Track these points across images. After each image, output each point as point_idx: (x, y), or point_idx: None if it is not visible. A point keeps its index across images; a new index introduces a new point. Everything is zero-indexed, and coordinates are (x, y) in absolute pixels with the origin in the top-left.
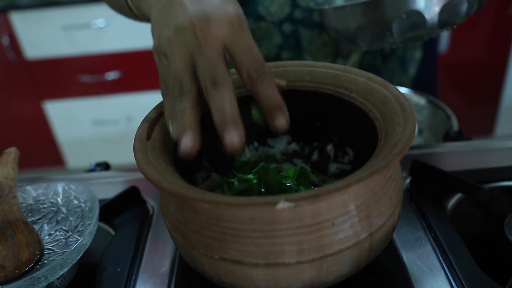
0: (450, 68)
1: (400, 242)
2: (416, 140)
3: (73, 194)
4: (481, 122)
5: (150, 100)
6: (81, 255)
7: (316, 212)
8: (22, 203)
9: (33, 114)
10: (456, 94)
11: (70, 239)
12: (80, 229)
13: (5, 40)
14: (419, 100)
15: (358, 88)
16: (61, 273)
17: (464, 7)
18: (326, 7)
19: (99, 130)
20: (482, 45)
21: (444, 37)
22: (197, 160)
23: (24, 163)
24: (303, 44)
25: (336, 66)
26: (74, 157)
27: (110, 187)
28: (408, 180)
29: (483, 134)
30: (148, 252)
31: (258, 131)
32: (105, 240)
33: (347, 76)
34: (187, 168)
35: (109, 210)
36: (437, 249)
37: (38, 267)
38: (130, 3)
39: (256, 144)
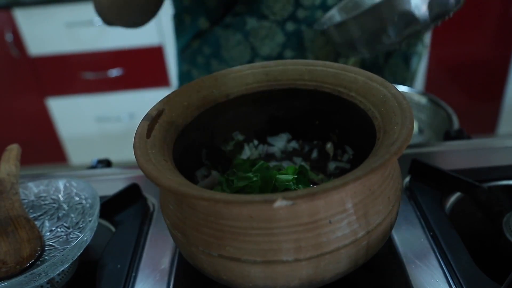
0: (453, 67)
1: (398, 240)
2: (417, 139)
3: (74, 190)
4: (483, 121)
5: (153, 97)
6: (81, 251)
7: (313, 210)
8: (24, 199)
9: (36, 110)
10: (458, 93)
11: (71, 236)
12: (81, 225)
13: (9, 37)
14: (420, 99)
15: (357, 86)
16: (62, 269)
17: None
18: (326, 27)
19: (102, 126)
20: (484, 43)
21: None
22: (196, 157)
23: (27, 159)
24: (305, 43)
25: (335, 65)
26: (77, 154)
27: (111, 184)
28: (407, 179)
29: (485, 133)
30: (148, 249)
31: (257, 130)
32: (105, 236)
33: (346, 75)
34: (187, 165)
35: (110, 207)
36: (435, 248)
37: (39, 263)
38: None
39: (256, 142)
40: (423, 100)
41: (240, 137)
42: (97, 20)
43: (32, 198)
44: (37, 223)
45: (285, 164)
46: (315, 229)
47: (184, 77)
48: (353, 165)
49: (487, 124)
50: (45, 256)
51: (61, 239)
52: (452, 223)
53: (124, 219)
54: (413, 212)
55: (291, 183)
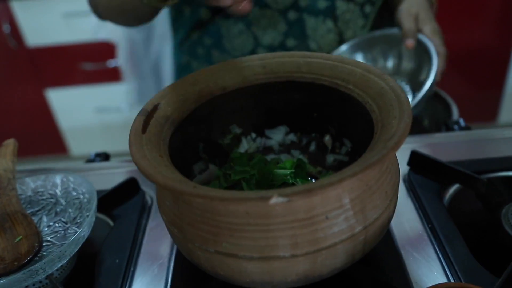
0: (452, 54)
1: (397, 232)
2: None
3: (72, 185)
4: (484, 109)
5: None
6: (79, 247)
7: (310, 206)
8: (21, 194)
9: (35, 102)
10: (458, 80)
11: (69, 231)
12: (79, 220)
13: (6, 28)
14: None
15: (354, 79)
16: (60, 265)
17: None
18: None
19: (102, 117)
20: (485, 30)
21: None
22: (194, 151)
23: (27, 151)
24: (308, 31)
25: (333, 57)
26: (77, 145)
27: (109, 178)
28: (406, 171)
29: (486, 121)
30: (146, 243)
31: (255, 123)
32: (104, 231)
33: (344, 67)
34: (184, 159)
35: (108, 201)
36: (433, 240)
37: (37, 259)
38: None
39: (253, 135)
40: None
41: (237, 130)
42: None
43: (30, 193)
44: (35, 218)
45: (283, 157)
46: (312, 225)
47: (183, 69)
48: (351, 158)
49: (487, 112)
50: (43, 252)
51: (59, 235)
52: (450, 215)
53: (122, 213)
54: (412, 204)
55: (288, 177)
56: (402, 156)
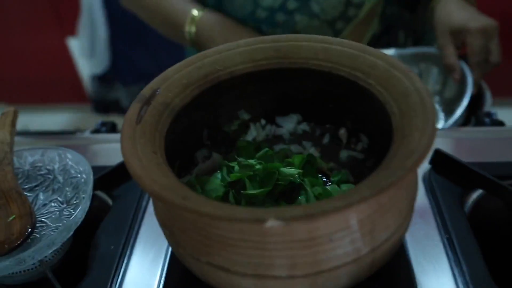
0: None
1: (409, 239)
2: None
3: (70, 163)
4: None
5: None
6: (71, 233)
7: (312, 228)
8: (19, 168)
9: (56, 49)
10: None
11: (64, 212)
12: (75, 201)
13: None
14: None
15: (376, 73)
16: (50, 252)
17: None
18: None
19: None
20: None
21: None
22: (197, 138)
23: (48, 98)
24: None
25: (354, 45)
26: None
27: (114, 153)
28: (427, 169)
29: None
30: (143, 230)
31: (266, 109)
32: (102, 210)
33: (366, 58)
34: (186, 145)
35: (109, 179)
36: (449, 253)
37: (29, 241)
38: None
39: (263, 122)
40: None
41: (245, 116)
42: None
43: (27, 167)
44: (32, 194)
45: (293, 148)
46: (313, 246)
47: None
48: (367, 156)
49: None
50: (36, 234)
51: (53, 215)
52: (471, 225)
53: (122, 194)
54: (430, 208)
55: (296, 176)
56: None
